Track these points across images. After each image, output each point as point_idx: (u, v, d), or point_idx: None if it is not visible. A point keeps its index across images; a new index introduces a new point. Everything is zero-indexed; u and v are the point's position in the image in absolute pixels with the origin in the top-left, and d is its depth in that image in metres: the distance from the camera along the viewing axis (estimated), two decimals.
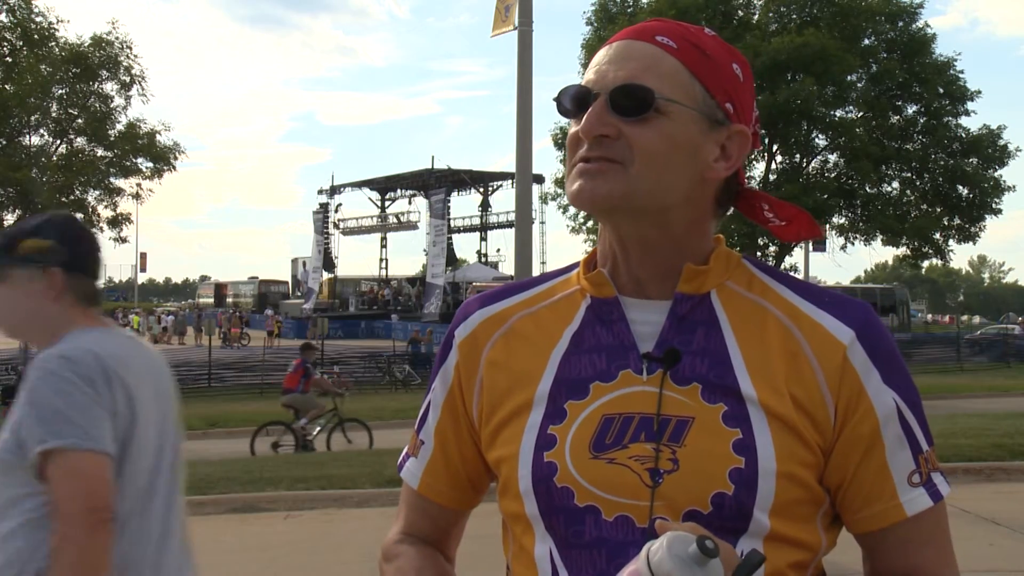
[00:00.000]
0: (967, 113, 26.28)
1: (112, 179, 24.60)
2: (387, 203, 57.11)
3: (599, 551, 1.12)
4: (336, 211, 55.32)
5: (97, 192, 24.58)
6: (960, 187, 26.32)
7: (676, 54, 1.16)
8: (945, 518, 1.20)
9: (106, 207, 24.68)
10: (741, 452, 1.10)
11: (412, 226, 54.02)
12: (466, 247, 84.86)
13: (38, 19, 22.95)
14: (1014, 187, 26.82)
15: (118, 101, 24.16)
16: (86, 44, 23.45)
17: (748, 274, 1.24)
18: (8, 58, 23.08)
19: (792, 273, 1.88)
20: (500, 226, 53.34)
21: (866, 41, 26.56)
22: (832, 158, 27.42)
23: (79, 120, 24.08)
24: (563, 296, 1.28)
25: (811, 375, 1.14)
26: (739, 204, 1.28)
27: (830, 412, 1.14)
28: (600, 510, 1.12)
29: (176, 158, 24.78)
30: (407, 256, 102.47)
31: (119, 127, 24.25)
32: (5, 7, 22.71)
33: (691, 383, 1.15)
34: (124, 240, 25.49)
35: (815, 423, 1.13)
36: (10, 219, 23.45)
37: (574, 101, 1.18)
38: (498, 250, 58.85)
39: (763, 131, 23.29)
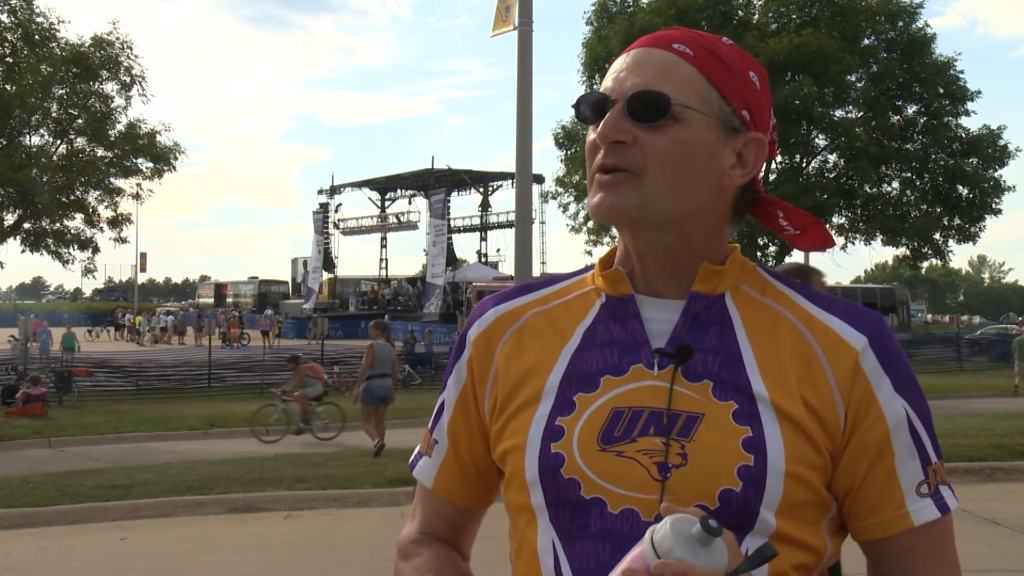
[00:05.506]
0: (967, 113, 26.28)
1: (112, 179, 24.50)
2: (387, 203, 57.12)
3: (603, 543, 1.12)
4: (336, 211, 55.45)
5: (97, 192, 24.49)
6: (960, 187, 26.31)
7: (693, 61, 1.17)
8: (951, 532, 1.19)
9: (106, 207, 24.63)
10: (750, 450, 1.11)
11: (412, 226, 54.01)
12: (466, 247, 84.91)
13: (39, 19, 22.91)
14: (1014, 187, 26.84)
15: (118, 101, 24.07)
16: (87, 44, 23.37)
17: (762, 280, 1.25)
18: (9, 58, 23.04)
19: None
20: (500, 226, 53.31)
21: (866, 41, 26.55)
22: (832, 158, 27.42)
23: (79, 120, 23.99)
24: (578, 295, 1.29)
25: (823, 379, 1.15)
26: (755, 211, 1.29)
27: (840, 417, 1.14)
28: (606, 502, 1.12)
29: (176, 158, 24.71)
30: (407, 256, 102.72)
31: (119, 127, 24.15)
32: (6, 7, 22.67)
33: (702, 380, 1.15)
34: (124, 240, 25.38)
35: (825, 427, 1.13)
36: (10, 219, 23.44)
37: (592, 107, 1.19)
38: (498, 250, 58.86)
39: None
